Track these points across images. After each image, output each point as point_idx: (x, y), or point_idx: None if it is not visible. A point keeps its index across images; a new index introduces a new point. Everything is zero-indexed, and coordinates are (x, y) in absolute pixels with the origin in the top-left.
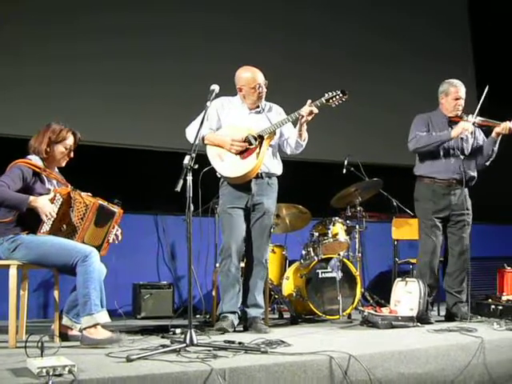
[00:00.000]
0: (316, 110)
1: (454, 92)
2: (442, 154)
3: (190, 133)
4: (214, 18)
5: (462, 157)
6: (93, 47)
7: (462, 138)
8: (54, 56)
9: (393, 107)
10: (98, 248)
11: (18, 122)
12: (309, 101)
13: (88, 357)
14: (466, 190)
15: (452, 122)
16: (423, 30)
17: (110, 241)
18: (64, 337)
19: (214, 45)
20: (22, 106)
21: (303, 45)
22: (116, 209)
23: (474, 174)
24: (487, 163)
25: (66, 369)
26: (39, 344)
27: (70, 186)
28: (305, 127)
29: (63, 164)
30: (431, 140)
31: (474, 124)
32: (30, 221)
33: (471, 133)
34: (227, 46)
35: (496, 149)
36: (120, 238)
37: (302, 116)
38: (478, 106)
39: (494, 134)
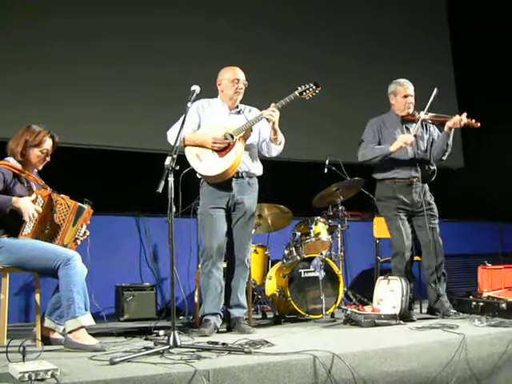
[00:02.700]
0: (277, 112)
1: (402, 91)
2: (398, 153)
3: (172, 135)
4: (199, 21)
5: (419, 153)
6: (75, 51)
7: (415, 136)
8: (39, 60)
9: (374, 106)
10: (65, 246)
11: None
12: (272, 103)
13: (71, 360)
14: (426, 185)
15: (405, 120)
16: (405, 30)
17: (78, 242)
18: (46, 340)
19: (200, 47)
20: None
21: (286, 44)
22: (86, 206)
23: (433, 167)
24: (444, 158)
25: (49, 373)
26: (21, 348)
27: (49, 189)
28: (278, 131)
29: (40, 167)
30: (374, 154)
31: (424, 120)
32: (10, 224)
33: (426, 128)
34: (214, 49)
35: (450, 142)
36: (84, 238)
37: (267, 119)
38: (428, 104)
39: (446, 129)
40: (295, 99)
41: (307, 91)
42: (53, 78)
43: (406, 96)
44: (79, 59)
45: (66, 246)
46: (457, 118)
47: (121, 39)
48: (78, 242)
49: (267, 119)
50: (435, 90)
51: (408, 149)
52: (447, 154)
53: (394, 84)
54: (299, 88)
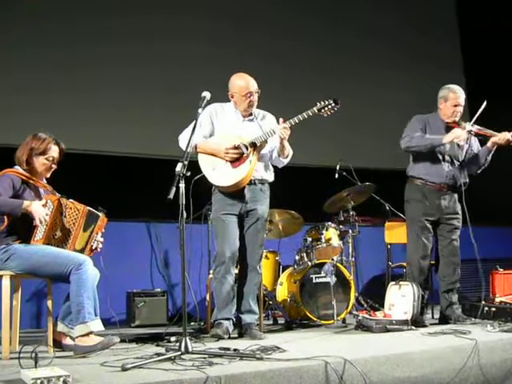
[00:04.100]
0: (288, 131)
1: (453, 98)
2: (436, 158)
3: (183, 140)
4: (206, 24)
5: (456, 163)
6: (80, 54)
7: (458, 145)
8: (44, 63)
9: (385, 111)
10: (80, 252)
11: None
12: (281, 119)
13: (83, 366)
14: (456, 195)
15: (449, 127)
16: (413, 32)
17: (93, 248)
18: (58, 345)
19: (206, 50)
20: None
21: (294, 48)
22: (100, 213)
23: (466, 180)
24: (478, 171)
25: (61, 379)
26: (33, 355)
27: (57, 194)
28: (286, 144)
29: (47, 175)
30: (423, 142)
31: (470, 132)
32: (21, 230)
33: (466, 140)
34: (219, 51)
35: (489, 158)
36: (100, 246)
37: (275, 133)
38: (476, 116)
39: (489, 144)
40: (313, 115)
41: (326, 108)
42: (57, 82)
43: (455, 105)
44: (88, 62)
45: (81, 252)
46: (503, 135)
47: (136, 41)
48: (94, 250)
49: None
50: (484, 102)
51: (446, 156)
52: (482, 168)
53: (446, 89)
54: (318, 104)
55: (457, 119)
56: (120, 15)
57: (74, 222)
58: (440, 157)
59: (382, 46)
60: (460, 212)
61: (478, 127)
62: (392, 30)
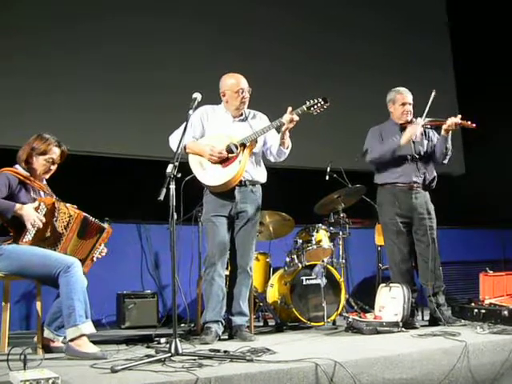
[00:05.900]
0: (297, 118)
1: (400, 99)
2: (399, 159)
3: (174, 141)
4: (205, 27)
5: (420, 160)
6: (79, 56)
7: (414, 142)
8: (41, 67)
9: (375, 113)
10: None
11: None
12: (289, 108)
13: (72, 368)
14: (427, 194)
15: (404, 128)
16: (405, 36)
17: (94, 259)
18: (46, 349)
19: (199, 53)
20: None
21: (285, 50)
22: (105, 226)
23: (434, 173)
24: (444, 162)
25: (50, 381)
26: (22, 357)
27: (54, 197)
28: (287, 135)
29: (46, 176)
30: (384, 148)
31: (423, 126)
32: (11, 231)
33: (424, 134)
34: (212, 54)
35: (449, 146)
36: (100, 256)
37: (283, 124)
38: (426, 109)
39: (443, 132)
40: (302, 113)
41: (315, 106)
42: (53, 84)
43: (403, 104)
44: (88, 63)
45: (82, 262)
46: (452, 119)
47: (135, 42)
48: (95, 259)
49: (283, 123)
50: (433, 92)
51: (408, 155)
52: (448, 157)
53: (392, 92)
54: (307, 102)
55: (409, 118)
56: (120, 16)
57: (65, 227)
58: (403, 157)
59: (374, 49)
60: (433, 212)
61: (429, 119)
62: (383, 33)
